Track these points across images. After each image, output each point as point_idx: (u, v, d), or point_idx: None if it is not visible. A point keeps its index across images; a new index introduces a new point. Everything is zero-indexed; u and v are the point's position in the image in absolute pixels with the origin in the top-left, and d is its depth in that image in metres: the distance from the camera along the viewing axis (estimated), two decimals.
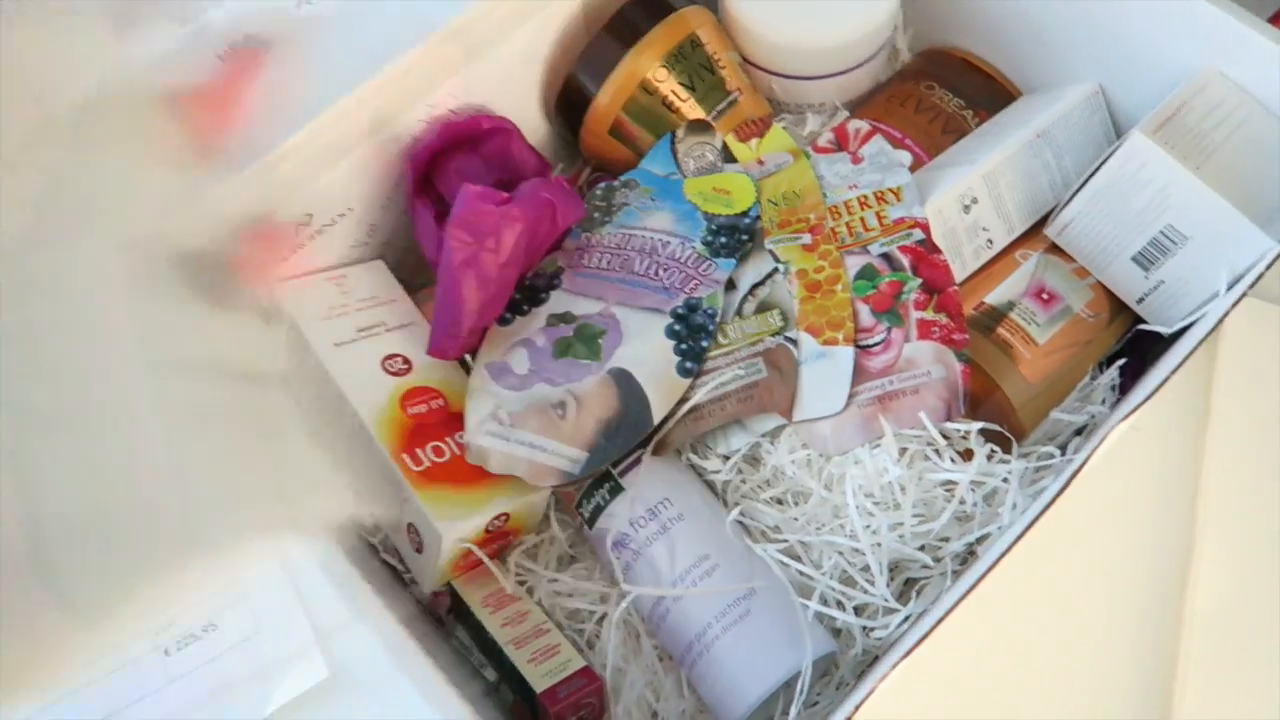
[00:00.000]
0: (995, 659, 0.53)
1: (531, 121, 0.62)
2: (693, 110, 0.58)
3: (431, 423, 0.51)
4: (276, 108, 0.49)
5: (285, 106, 0.49)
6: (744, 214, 0.55)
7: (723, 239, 0.54)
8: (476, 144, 0.57)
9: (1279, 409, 0.59)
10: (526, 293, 0.53)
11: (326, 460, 0.50)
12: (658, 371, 0.50)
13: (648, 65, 0.57)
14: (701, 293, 0.52)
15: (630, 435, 0.48)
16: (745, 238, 0.54)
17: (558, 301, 0.53)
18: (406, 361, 0.53)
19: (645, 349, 0.51)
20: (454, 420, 0.51)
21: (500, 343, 0.52)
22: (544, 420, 0.49)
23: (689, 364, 0.50)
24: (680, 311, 0.51)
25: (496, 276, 0.50)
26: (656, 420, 0.48)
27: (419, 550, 0.49)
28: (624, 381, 0.49)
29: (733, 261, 0.53)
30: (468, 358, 0.52)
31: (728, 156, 0.58)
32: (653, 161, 0.58)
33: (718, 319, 0.51)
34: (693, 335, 0.51)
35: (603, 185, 0.57)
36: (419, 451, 0.49)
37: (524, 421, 0.49)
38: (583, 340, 0.51)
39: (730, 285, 0.53)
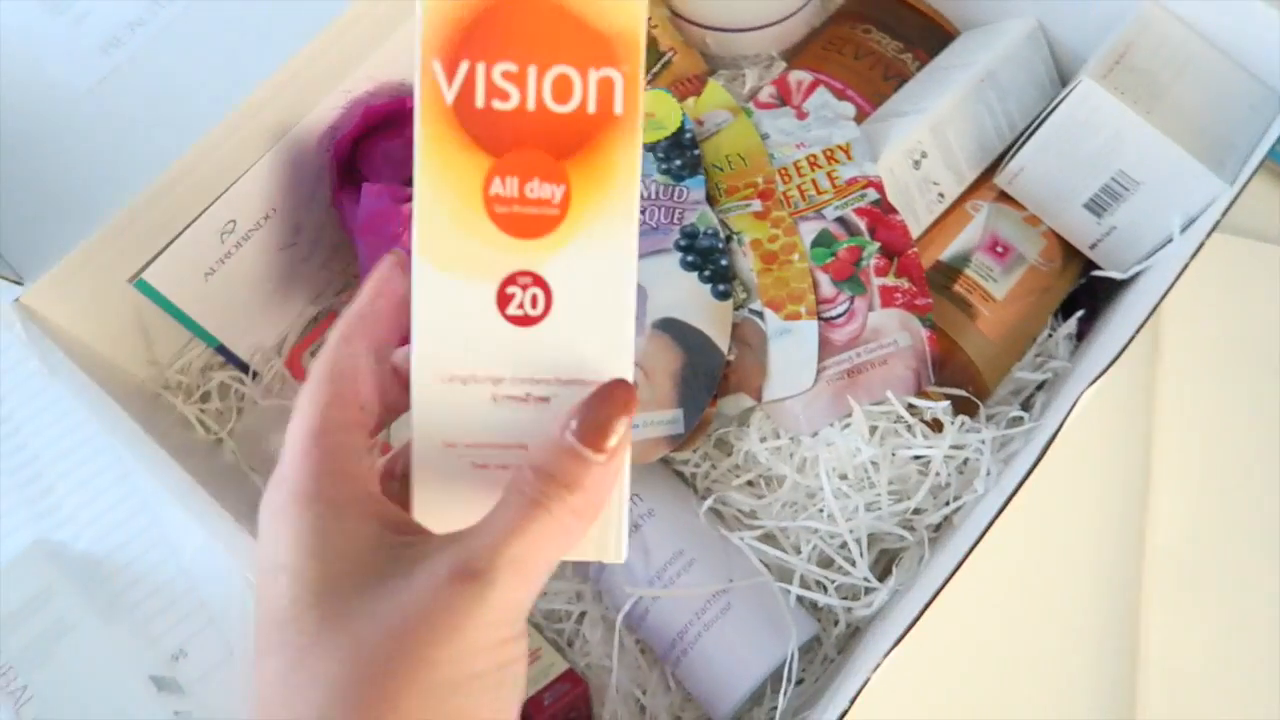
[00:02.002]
0: (976, 624, 0.54)
1: None
2: None
3: None
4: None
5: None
6: (679, 131, 0.52)
7: (676, 161, 0.51)
8: (401, 125, 0.53)
9: (1226, 335, 0.60)
10: None
11: None
12: (697, 305, 0.48)
13: None
14: (690, 218, 0.50)
15: (708, 374, 0.47)
16: (694, 152, 0.51)
17: None
18: None
19: (674, 291, 0.48)
20: None
21: None
22: None
23: (720, 286, 0.48)
24: (683, 243, 0.49)
25: None
26: (725, 348, 0.47)
27: None
28: (673, 329, 0.47)
29: (700, 179, 0.51)
30: None
31: None
32: None
33: (720, 234, 0.49)
34: (708, 260, 0.49)
35: None
36: None
37: None
38: None
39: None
